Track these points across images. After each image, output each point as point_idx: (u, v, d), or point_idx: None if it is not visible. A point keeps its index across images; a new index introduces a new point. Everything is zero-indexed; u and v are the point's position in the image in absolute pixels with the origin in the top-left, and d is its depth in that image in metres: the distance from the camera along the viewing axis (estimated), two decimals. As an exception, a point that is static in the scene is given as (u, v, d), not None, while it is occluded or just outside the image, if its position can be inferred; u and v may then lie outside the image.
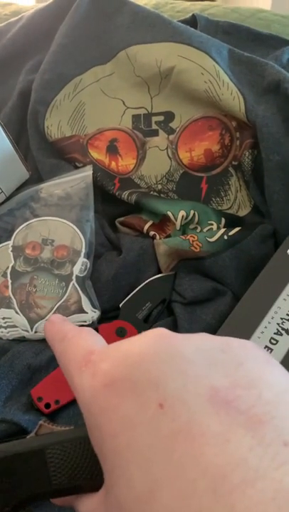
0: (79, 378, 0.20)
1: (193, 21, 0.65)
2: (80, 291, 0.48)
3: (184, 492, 0.15)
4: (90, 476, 0.20)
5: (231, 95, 0.53)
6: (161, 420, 0.17)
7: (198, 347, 0.19)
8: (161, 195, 0.57)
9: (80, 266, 0.48)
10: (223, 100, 0.53)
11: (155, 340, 0.19)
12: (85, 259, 0.49)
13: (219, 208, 0.57)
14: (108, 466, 0.18)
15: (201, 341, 0.19)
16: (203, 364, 0.18)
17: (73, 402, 0.43)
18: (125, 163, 0.58)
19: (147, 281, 0.51)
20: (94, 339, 0.22)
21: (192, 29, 0.58)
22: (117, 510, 0.17)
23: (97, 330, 0.47)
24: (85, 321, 0.47)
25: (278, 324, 0.44)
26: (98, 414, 0.18)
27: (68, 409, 0.43)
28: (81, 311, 0.47)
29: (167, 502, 0.15)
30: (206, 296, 0.49)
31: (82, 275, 0.48)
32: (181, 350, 0.18)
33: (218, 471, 0.15)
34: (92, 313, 0.47)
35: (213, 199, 0.57)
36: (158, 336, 0.19)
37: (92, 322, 0.47)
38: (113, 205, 0.57)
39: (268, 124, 0.50)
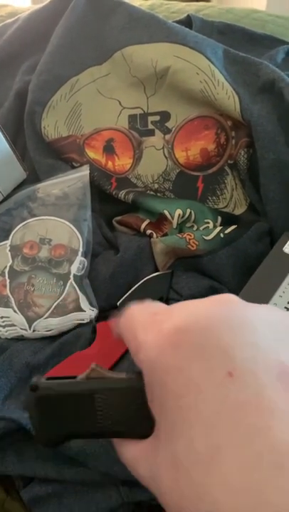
0: (144, 335, 0.20)
1: (188, 22, 0.65)
2: (78, 290, 0.48)
3: (247, 463, 0.15)
4: (134, 424, 0.21)
5: (226, 95, 0.53)
6: (229, 389, 0.17)
7: (266, 318, 0.19)
8: (158, 194, 0.58)
9: (77, 265, 0.49)
10: (218, 100, 0.53)
11: (224, 306, 0.19)
12: (83, 258, 0.49)
13: (215, 206, 0.57)
14: (167, 422, 0.18)
15: (268, 313, 0.19)
16: (271, 337, 0.18)
17: None
18: (122, 162, 0.58)
19: (145, 279, 0.51)
20: (156, 304, 0.22)
21: (187, 29, 0.59)
22: (170, 464, 0.18)
23: (95, 328, 0.47)
24: (83, 320, 0.47)
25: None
26: (163, 372, 0.18)
27: None
28: (79, 309, 0.47)
29: (228, 470, 0.15)
30: (203, 294, 0.50)
31: (79, 274, 0.49)
32: (250, 320, 0.18)
33: (287, 448, 0.15)
34: (90, 312, 0.47)
35: (210, 198, 0.57)
36: (227, 301, 0.19)
37: (90, 320, 0.47)
38: (110, 204, 0.57)
39: (262, 122, 0.51)
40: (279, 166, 0.51)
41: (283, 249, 0.49)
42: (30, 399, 0.23)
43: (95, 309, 0.48)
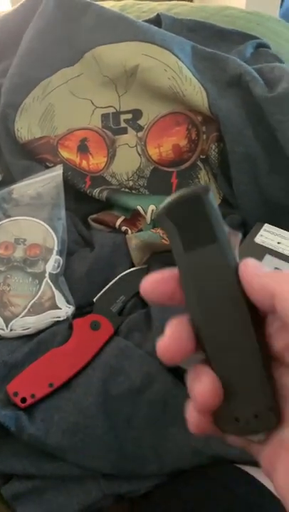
0: None
1: (158, 21, 0.66)
2: (54, 288, 0.48)
3: None
4: None
5: (194, 90, 0.54)
6: None
7: None
8: (133, 191, 0.58)
9: (52, 263, 0.49)
10: (186, 95, 0.54)
11: None
12: (58, 257, 0.50)
13: (190, 201, 0.58)
14: None
15: None
16: None
17: (49, 396, 0.44)
18: (96, 161, 0.59)
19: (120, 275, 0.51)
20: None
21: (155, 28, 0.59)
22: None
23: (71, 325, 0.47)
24: (60, 317, 0.48)
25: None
26: None
27: (44, 402, 0.43)
28: (55, 307, 0.48)
29: None
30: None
31: (55, 272, 0.49)
32: None
33: None
34: (67, 309, 0.48)
35: (184, 193, 0.58)
36: None
37: (67, 318, 0.48)
38: (86, 203, 0.58)
39: (230, 116, 0.52)
40: (248, 159, 0.52)
41: (255, 239, 0.50)
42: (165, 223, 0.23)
43: (71, 306, 0.48)
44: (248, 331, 0.21)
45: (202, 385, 0.20)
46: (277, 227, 0.50)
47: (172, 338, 0.21)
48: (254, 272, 0.21)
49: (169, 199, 0.23)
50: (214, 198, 0.23)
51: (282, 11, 1.61)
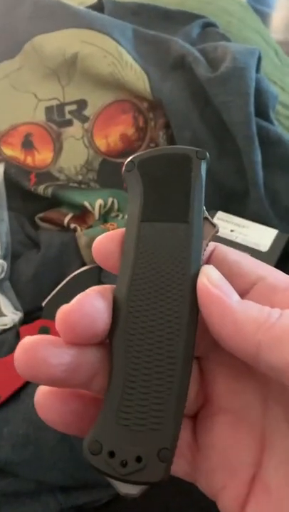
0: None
1: (100, 6, 0.63)
2: (-2, 294, 0.46)
3: None
4: None
5: (135, 75, 0.51)
6: None
7: None
8: (82, 185, 0.56)
9: (-5, 268, 0.47)
10: (127, 81, 0.51)
11: None
12: (1, 261, 0.47)
13: (143, 192, 0.55)
14: None
15: None
16: None
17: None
18: (42, 157, 0.56)
19: (70, 276, 0.49)
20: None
21: (94, 12, 0.56)
22: None
23: (18, 332, 0.45)
24: (6, 325, 0.45)
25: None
26: None
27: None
28: (0, 314, 0.45)
29: None
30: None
31: (-1, 277, 0.47)
32: None
33: None
34: (13, 316, 0.45)
35: (136, 184, 0.56)
36: None
37: (14, 325, 0.45)
38: (33, 201, 0.55)
39: (174, 100, 0.49)
40: (196, 143, 0.49)
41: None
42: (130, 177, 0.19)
43: (18, 313, 0.46)
44: (180, 343, 0.16)
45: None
46: (230, 213, 0.48)
47: (82, 304, 0.17)
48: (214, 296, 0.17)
49: (150, 150, 0.19)
50: (205, 168, 0.18)
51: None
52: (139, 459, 0.15)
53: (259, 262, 0.19)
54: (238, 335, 0.16)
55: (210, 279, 0.17)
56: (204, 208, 0.19)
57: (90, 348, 0.17)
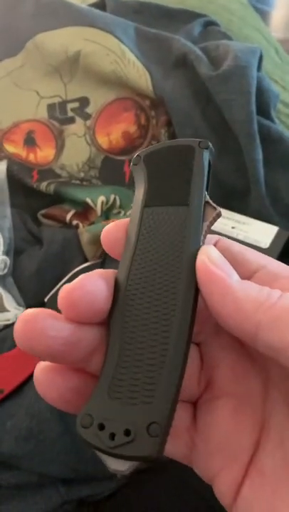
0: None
1: (102, 4, 0.63)
2: (1, 290, 0.46)
3: None
4: None
5: (138, 73, 0.51)
6: None
7: None
8: (84, 182, 0.56)
9: (-2, 264, 0.47)
10: (130, 79, 0.52)
11: None
12: (4, 257, 0.48)
13: (144, 189, 0.56)
14: None
15: None
16: None
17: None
18: (44, 154, 0.56)
19: (73, 271, 0.49)
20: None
21: (97, 11, 0.57)
22: None
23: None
24: (9, 320, 0.46)
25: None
26: None
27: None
28: (3, 309, 0.46)
29: None
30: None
31: (2, 273, 0.47)
32: None
33: None
34: (16, 311, 0.46)
35: (138, 181, 0.56)
36: None
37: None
38: (36, 198, 0.55)
39: (176, 98, 0.49)
40: (198, 141, 0.50)
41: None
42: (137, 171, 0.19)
43: (21, 308, 0.46)
44: (175, 321, 0.16)
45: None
46: (232, 210, 0.48)
47: (84, 283, 0.17)
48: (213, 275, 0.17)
49: (156, 144, 0.19)
50: (209, 158, 0.19)
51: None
52: (127, 432, 0.15)
53: (261, 254, 0.19)
54: (237, 314, 0.16)
55: (210, 257, 0.17)
56: (206, 192, 0.19)
57: (91, 325, 0.17)
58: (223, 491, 0.18)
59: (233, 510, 0.17)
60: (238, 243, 0.19)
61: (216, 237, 0.20)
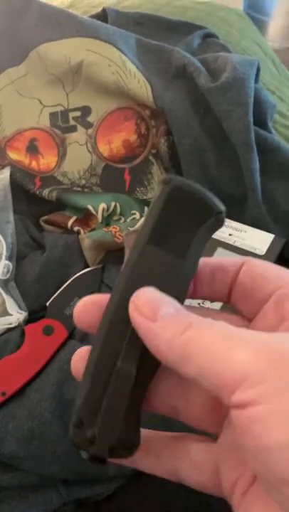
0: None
1: (104, 15, 0.65)
2: (4, 294, 0.47)
3: None
4: None
5: (138, 84, 0.53)
6: None
7: None
8: (85, 189, 0.57)
9: (1, 269, 0.48)
10: (131, 89, 0.53)
11: None
12: (7, 262, 0.49)
13: (144, 197, 0.57)
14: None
15: None
16: None
17: (2, 405, 0.43)
18: (46, 161, 0.58)
19: (74, 276, 0.50)
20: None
21: (99, 22, 0.58)
22: None
23: (23, 331, 0.46)
24: (11, 323, 0.46)
25: (199, 304, 0.44)
26: None
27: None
28: (6, 313, 0.47)
29: None
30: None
31: (4, 278, 0.48)
32: None
33: None
34: (18, 315, 0.47)
35: (138, 189, 0.57)
36: None
37: (19, 324, 0.47)
38: (38, 204, 0.57)
39: (176, 108, 0.51)
40: (197, 150, 0.51)
41: (206, 232, 0.49)
42: (162, 192, 0.20)
43: (23, 312, 0.47)
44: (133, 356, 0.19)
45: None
46: (229, 218, 0.50)
47: (86, 305, 0.20)
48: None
49: (189, 181, 0.20)
50: (218, 225, 0.20)
51: (247, 1, 1.62)
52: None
53: (284, 271, 0.20)
54: (158, 354, 0.18)
55: (135, 302, 0.18)
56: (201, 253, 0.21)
57: None
58: (234, 504, 0.18)
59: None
60: (262, 264, 0.21)
61: (242, 259, 0.21)
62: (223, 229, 0.49)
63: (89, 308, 0.20)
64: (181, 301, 0.20)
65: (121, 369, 0.19)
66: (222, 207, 0.21)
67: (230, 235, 0.48)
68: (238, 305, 0.21)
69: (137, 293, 0.19)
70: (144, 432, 0.20)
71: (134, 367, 0.19)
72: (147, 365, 0.19)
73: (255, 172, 0.49)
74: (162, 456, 0.21)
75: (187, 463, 0.20)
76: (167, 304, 0.18)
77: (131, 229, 0.52)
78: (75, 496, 0.43)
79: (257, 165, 0.49)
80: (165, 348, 0.17)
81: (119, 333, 0.19)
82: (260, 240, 0.48)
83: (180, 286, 0.20)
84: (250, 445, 0.15)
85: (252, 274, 0.20)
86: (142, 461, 0.21)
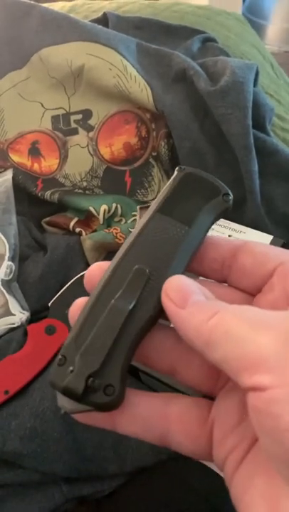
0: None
1: (104, 19, 0.66)
2: (7, 294, 0.48)
3: None
4: None
5: (139, 87, 0.54)
6: None
7: None
8: (87, 191, 0.58)
9: (4, 269, 0.49)
10: (132, 93, 0.54)
11: None
12: (10, 263, 0.49)
13: (145, 199, 0.58)
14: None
15: None
16: None
17: (5, 403, 0.43)
18: (48, 163, 0.58)
19: (76, 277, 0.51)
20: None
21: (100, 26, 0.59)
22: None
23: (26, 331, 0.47)
24: (14, 324, 0.47)
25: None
26: None
27: (1, 410, 0.43)
28: (9, 313, 0.47)
29: None
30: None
31: (7, 278, 0.49)
32: None
33: None
34: (21, 315, 0.48)
35: (138, 191, 0.58)
36: None
37: (22, 324, 0.47)
38: (40, 206, 0.57)
39: (176, 112, 0.52)
40: (196, 152, 0.52)
41: (206, 233, 0.50)
42: (176, 176, 0.22)
43: (25, 312, 0.48)
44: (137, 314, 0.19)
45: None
46: (228, 219, 0.51)
47: (100, 268, 0.21)
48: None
49: (199, 171, 0.22)
50: (224, 205, 0.22)
51: (245, 5, 1.63)
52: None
53: (284, 250, 0.21)
54: (187, 339, 0.18)
55: (166, 290, 0.19)
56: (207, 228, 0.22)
57: None
58: (225, 465, 0.19)
59: (230, 488, 0.18)
60: (263, 244, 0.22)
61: (243, 241, 0.22)
62: (222, 230, 0.50)
63: (98, 273, 0.21)
64: (184, 265, 0.21)
65: (114, 305, 0.19)
66: (229, 191, 0.23)
67: (229, 236, 0.49)
68: (238, 284, 0.22)
69: (169, 280, 0.20)
70: (129, 393, 0.20)
71: (129, 306, 0.19)
72: (144, 310, 0.20)
73: (254, 174, 0.49)
74: (150, 420, 0.20)
75: (177, 427, 0.20)
76: (196, 291, 0.19)
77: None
78: (76, 494, 0.43)
79: (256, 167, 0.50)
80: (193, 334, 0.18)
81: (120, 280, 0.20)
82: (258, 240, 0.48)
83: (184, 250, 0.21)
84: (267, 425, 0.15)
85: (253, 253, 0.21)
86: (126, 424, 0.20)
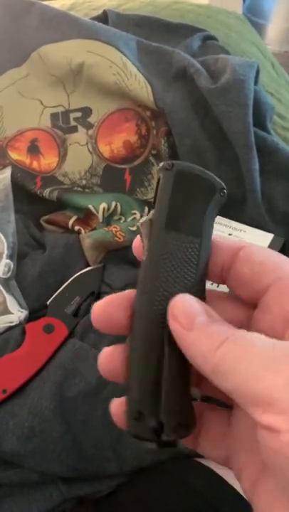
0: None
1: (105, 17, 0.65)
2: (5, 293, 0.47)
3: None
4: None
5: (139, 85, 0.53)
6: None
7: None
8: (86, 190, 0.58)
9: (2, 267, 0.48)
10: (132, 91, 0.54)
11: None
12: (8, 261, 0.49)
13: (144, 197, 0.57)
14: None
15: None
16: None
17: (3, 402, 0.43)
18: (47, 161, 0.58)
19: (75, 276, 0.51)
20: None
21: (100, 24, 0.59)
22: None
23: (24, 329, 0.47)
24: (12, 322, 0.47)
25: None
26: None
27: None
28: (7, 312, 0.47)
29: None
30: (135, 284, 0.50)
31: (5, 277, 0.48)
32: None
33: None
34: (19, 313, 0.47)
35: (138, 189, 0.58)
36: None
37: (20, 322, 0.47)
38: (38, 204, 0.57)
39: (176, 110, 0.51)
40: (196, 151, 0.51)
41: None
42: (167, 179, 0.21)
43: (24, 311, 0.48)
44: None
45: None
46: (229, 218, 0.50)
47: (108, 304, 0.20)
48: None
49: (190, 164, 0.21)
50: (221, 200, 0.21)
51: (246, 5, 1.63)
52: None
53: (283, 260, 0.20)
54: (194, 363, 0.18)
55: (172, 310, 0.19)
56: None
57: None
58: (244, 487, 0.19)
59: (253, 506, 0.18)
60: (262, 251, 0.20)
61: (240, 243, 0.21)
62: (222, 228, 0.50)
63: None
64: (204, 279, 0.20)
65: (170, 353, 0.19)
66: (222, 183, 0.22)
67: (229, 234, 0.49)
68: (236, 291, 0.21)
69: (174, 300, 0.19)
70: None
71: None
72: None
73: (254, 173, 0.49)
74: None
75: (204, 435, 0.21)
76: (201, 311, 0.18)
77: (141, 220, 0.52)
78: (75, 494, 0.43)
79: (257, 166, 0.49)
80: (201, 360, 0.17)
81: (157, 324, 0.19)
82: (259, 239, 0.48)
83: (201, 264, 0.20)
84: (280, 465, 0.15)
85: (251, 261, 0.20)
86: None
